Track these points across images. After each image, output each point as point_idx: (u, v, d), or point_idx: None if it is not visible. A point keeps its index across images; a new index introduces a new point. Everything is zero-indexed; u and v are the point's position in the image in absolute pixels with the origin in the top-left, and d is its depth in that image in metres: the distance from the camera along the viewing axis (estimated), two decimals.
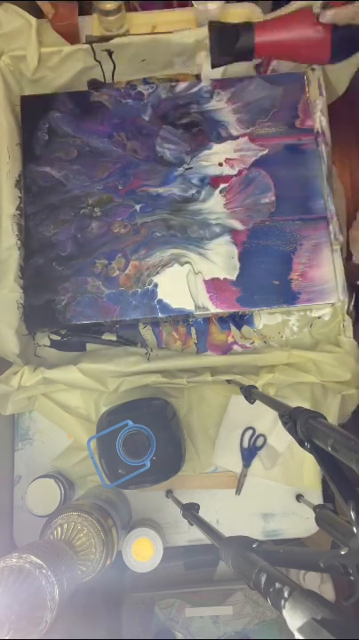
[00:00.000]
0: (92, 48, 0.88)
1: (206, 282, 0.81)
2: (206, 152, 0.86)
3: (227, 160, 0.85)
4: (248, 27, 0.70)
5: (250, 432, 0.84)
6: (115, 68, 0.92)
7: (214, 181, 0.85)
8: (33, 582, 0.45)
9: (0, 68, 0.85)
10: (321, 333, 0.85)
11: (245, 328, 0.87)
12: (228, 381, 0.82)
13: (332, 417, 0.82)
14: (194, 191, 0.84)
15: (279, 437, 0.84)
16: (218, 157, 0.85)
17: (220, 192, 0.84)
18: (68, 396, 0.84)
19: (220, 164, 0.85)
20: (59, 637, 0.51)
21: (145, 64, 0.92)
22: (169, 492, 0.82)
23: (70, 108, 0.87)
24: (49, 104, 0.87)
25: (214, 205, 0.84)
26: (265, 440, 0.84)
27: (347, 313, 0.84)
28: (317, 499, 0.83)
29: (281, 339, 0.86)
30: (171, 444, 0.72)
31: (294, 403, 0.81)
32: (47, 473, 0.81)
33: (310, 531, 0.83)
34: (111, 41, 0.88)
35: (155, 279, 0.81)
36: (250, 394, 0.74)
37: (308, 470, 0.83)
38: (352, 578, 0.37)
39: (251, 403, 0.76)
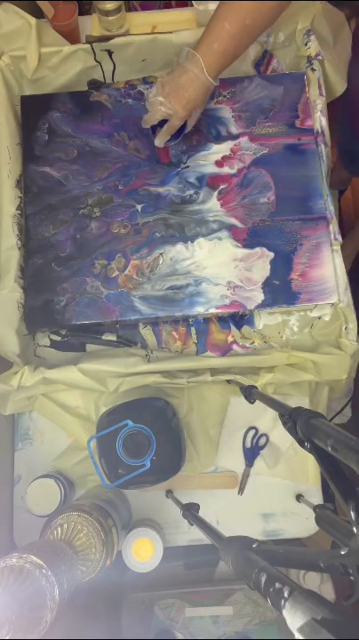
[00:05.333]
0: (92, 48, 0.88)
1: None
2: (205, 151, 0.86)
3: (226, 159, 0.85)
4: None
5: (252, 432, 0.84)
6: (115, 68, 0.92)
7: (213, 181, 0.84)
8: (33, 582, 0.45)
9: (0, 67, 0.85)
10: (321, 334, 0.85)
11: (245, 328, 0.87)
12: (228, 381, 0.82)
13: (322, 407, 0.84)
14: (192, 192, 0.84)
15: (281, 435, 0.84)
16: (217, 156, 0.85)
17: (219, 193, 0.84)
18: (68, 396, 0.84)
19: (220, 164, 0.85)
20: (59, 637, 0.51)
21: (145, 64, 0.92)
22: (169, 492, 0.82)
23: (70, 107, 0.87)
24: (49, 104, 0.87)
25: (213, 205, 0.84)
26: (267, 439, 0.84)
27: None
28: (317, 499, 0.83)
29: (281, 339, 0.86)
30: (171, 444, 0.72)
31: (294, 398, 0.82)
32: (47, 473, 0.81)
33: (310, 531, 0.83)
34: (111, 41, 0.88)
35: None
36: (250, 394, 0.74)
37: (313, 466, 0.83)
38: (352, 578, 0.36)
39: (251, 403, 0.76)
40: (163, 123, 0.77)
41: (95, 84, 0.92)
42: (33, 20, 0.84)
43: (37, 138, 0.86)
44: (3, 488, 0.83)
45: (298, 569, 0.81)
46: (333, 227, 0.83)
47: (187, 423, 0.83)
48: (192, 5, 0.91)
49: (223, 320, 0.87)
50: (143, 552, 0.75)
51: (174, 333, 0.87)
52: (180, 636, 0.88)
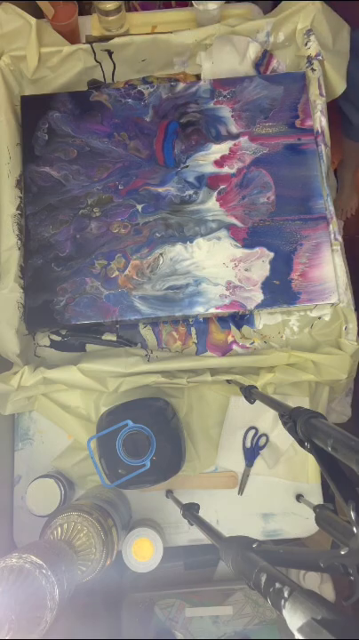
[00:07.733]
0: (92, 48, 0.88)
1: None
2: (205, 151, 0.86)
3: (226, 159, 0.85)
4: None
5: (252, 432, 0.84)
6: (115, 68, 0.92)
7: (213, 181, 0.84)
8: (33, 582, 0.45)
9: (0, 67, 0.85)
10: (321, 334, 0.85)
11: (245, 328, 0.87)
12: (228, 381, 0.82)
13: (322, 407, 0.84)
14: (191, 192, 0.84)
15: (281, 435, 0.84)
16: (216, 156, 0.85)
17: (219, 193, 0.84)
18: (68, 396, 0.84)
19: (219, 164, 0.85)
20: (59, 637, 0.51)
21: (145, 64, 0.92)
22: (169, 492, 0.82)
23: (70, 107, 0.87)
24: (49, 104, 0.87)
25: (212, 205, 0.84)
26: (267, 439, 0.84)
27: None
28: (317, 499, 0.83)
29: (281, 339, 0.86)
30: (171, 444, 0.72)
31: (294, 398, 0.82)
32: (47, 473, 0.81)
33: (310, 531, 0.83)
34: (111, 41, 0.88)
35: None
36: (250, 394, 0.74)
37: (312, 465, 0.83)
38: (352, 578, 0.36)
39: (251, 403, 0.76)
40: None
41: (95, 84, 0.92)
42: (33, 20, 0.84)
43: (37, 138, 0.86)
44: (4, 488, 0.83)
45: (298, 569, 0.81)
46: (333, 227, 0.83)
47: (187, 423, 0.83)
48: (192, 5, 0.91)
49: (223, 320, 0.87)
50: (143, 552, 0.74)
51: (174, 333, 0.87)
52: (180, 636, 0.88)
